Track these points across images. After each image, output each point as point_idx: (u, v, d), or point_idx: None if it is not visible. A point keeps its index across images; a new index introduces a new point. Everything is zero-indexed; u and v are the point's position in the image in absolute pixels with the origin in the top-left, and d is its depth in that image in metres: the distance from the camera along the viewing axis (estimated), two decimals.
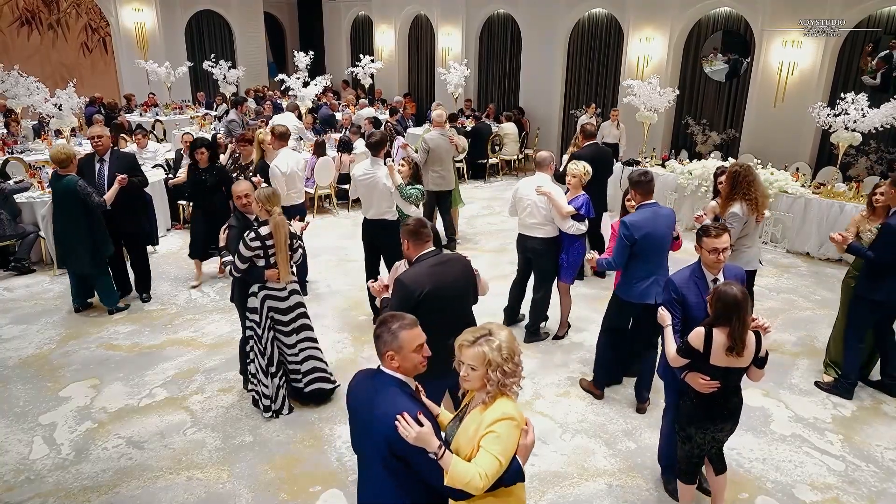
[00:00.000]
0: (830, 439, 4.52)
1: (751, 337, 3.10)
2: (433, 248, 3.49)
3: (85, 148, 8.82)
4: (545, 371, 5.34)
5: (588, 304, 6.58)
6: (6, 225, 6.93)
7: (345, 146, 9.85)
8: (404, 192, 5.65)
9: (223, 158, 7.46)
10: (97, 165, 6.07)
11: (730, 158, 9.14)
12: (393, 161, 6.67)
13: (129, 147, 8.98)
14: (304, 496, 3.89)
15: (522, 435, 2.30)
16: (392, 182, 5.67)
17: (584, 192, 5.44)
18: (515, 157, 12.44)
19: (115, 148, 6.56)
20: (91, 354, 5.51)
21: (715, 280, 3.46)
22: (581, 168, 5.44)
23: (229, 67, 14.85)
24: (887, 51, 9.39)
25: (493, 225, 9.32)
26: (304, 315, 4.68)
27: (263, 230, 4.36)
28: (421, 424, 2.18)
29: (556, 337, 5.88)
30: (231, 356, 5.48)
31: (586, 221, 5.43)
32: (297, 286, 4.66)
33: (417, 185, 5.81)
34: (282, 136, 6.57)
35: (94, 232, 5.82)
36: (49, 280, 7.07)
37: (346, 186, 9.98)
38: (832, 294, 7.02)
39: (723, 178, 5.16)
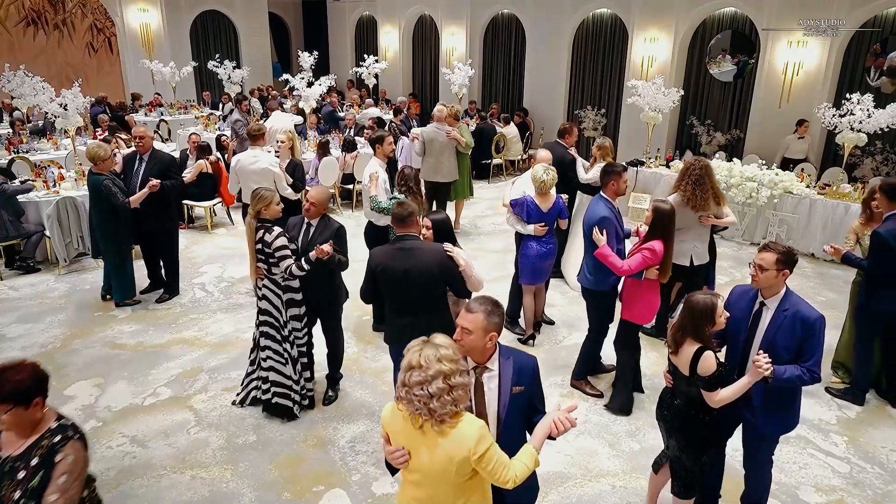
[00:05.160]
0: (835, 441, 4.50)
1: (690, 351, 3.08)
2: (411, 234, 3.75)
3: None
4: (549, 372, 5.33)
5: None
6: (8, 225, 6.96)
7: (349, 146, 9.86)
8: (374, 204, 5.55)
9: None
10: (136, 164, 6.23)
11: (734, 160, 9.12)
12: (398, 159, 6.66)
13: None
14: (308, 496, 3.90)
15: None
16: (370, 189, 5.63)
17: (528, 195, 5.40)
18: (519, 157, 12.44)
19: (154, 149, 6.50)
20: (96, 353, 5.53)
21: (762, 303, 3.22)
22: (536, 171, 5.31)
23: (234, 67, 14.87)
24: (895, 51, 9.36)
25: (496, 225, 9.31)
26: (269, 325, 4.45)
27: None
28: None
29: (521, 341, 5.81)
30: (235, 355, 5.50)
31: (531, 227, 5.37)
32: (272, 294, 4.39)
33: (398, 196, 5.47)
34: (249, 136, 6.70)
35: (119, 228, 6.07)
36: (54, 279, 7.09)
37: (350, 186, 10.02)
38: (837, 295, 6.99)
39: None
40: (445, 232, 4.15)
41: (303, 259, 4.27)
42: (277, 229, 4.30)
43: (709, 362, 3.03)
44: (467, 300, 2.67)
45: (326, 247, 4.21)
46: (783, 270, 3.12)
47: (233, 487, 3.96)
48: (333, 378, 4.93)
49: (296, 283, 4.46)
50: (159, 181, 6.01)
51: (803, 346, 3.09)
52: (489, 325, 2.48)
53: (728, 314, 3.16)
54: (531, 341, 5.80)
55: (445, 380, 2.19)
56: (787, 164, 9.38)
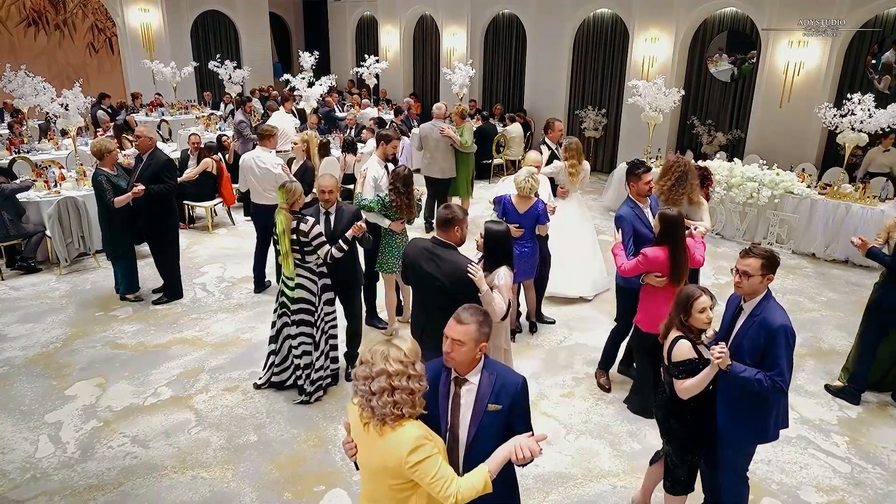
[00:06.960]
0: (836, 441, 4.50)
1: (670, 339, 3.16)
2: (446, 241, 3.73)
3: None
4: (549, 372, 5.33)
5: (593, 304, 6.58)
6: (8, 225, 6.96)
7: (349, 146, 9.85)
8: (357, 200, 5.61)
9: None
10: (138, 164, 6.36)
11: (735, 160, 9.12)
12: (399, 158, 6.77)
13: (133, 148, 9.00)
14: (308, 495, 3.90)
15: None
16: (358, 186, 5.92)
17: (508, 194, 5.44)
18: (520, 157, 12.44)
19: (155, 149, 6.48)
20: (97, 353, 5.53)
21: (741, 307, 3.20)
22: (518, 174, 5.36)
23: (235, 67, 14.86)
24: (890, 51, 9.34)
25: None
26: (305, 311, 4.69)
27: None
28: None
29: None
30: (236, 355, 5.50)
31: (508, 226, 5.35)
32: (308, 282, 4.65)
33: (381, 195, 5.52)
34: (258, 136, 6.79)
35: (111, 223, 6.22)
36: (55, 279, 7.10)
37: (351, 186, 10.00)
38: (838, 295, 6.99)
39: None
40: (500, 245, 3.90)
41: (340, 241, 4.59)
42: (311, 219, 4.54)
43: (681, 349, 3.07)
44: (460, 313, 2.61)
45: (362, 223, 4.67)
46: (767, 275, 3.08)
47: (234, 487, 3.96)
48: (353, 356, 5.17)
49: (326, 269, 4.71)
50: (143, 188, 5.97)
51: (766, 353, 3.02)
52: (481, 335, 2.41)
53: (711, 315, 3.17)
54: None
55: (388, 379, 2.16)
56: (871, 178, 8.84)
